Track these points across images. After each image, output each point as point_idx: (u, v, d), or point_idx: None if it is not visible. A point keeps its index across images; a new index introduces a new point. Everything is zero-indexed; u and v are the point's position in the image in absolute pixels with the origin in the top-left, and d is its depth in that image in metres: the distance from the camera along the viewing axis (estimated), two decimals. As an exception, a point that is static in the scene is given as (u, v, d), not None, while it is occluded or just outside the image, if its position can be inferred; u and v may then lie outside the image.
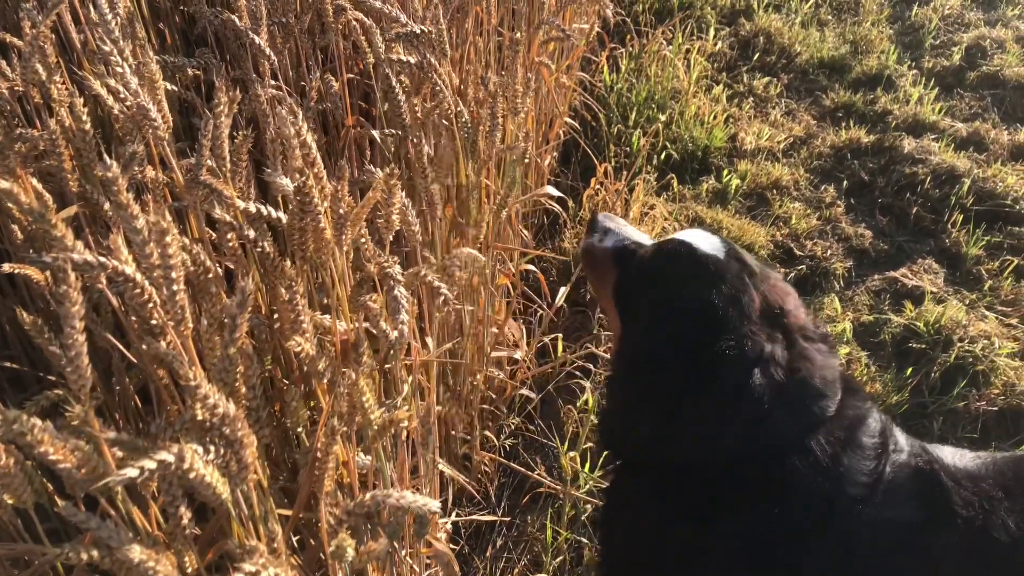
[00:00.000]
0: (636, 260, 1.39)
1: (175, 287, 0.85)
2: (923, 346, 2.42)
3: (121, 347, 1.20)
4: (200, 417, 0.80)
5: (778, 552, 1.20)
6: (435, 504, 0.87)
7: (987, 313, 2.57)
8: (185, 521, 0.84)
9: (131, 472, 0.69)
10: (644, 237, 1.49)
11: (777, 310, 1.24)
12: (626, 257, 1.42)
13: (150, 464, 0.70)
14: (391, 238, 1.09)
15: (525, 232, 2.58)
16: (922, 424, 2.26)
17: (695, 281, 1.25)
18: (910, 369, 2.37)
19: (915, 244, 2.89)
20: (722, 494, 1.21)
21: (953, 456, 1.27)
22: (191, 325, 0.89)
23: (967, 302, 2.61)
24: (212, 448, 0.82)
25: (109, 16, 1.14)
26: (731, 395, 1.16)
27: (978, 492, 1.19)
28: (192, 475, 0.75)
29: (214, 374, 0.89)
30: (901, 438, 1.26)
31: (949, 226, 2.90)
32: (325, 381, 1.03)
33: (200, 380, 0.79)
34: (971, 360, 2.35)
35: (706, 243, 1.30)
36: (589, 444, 2.09)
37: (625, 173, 2.90)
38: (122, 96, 1.08)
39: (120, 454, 0.84)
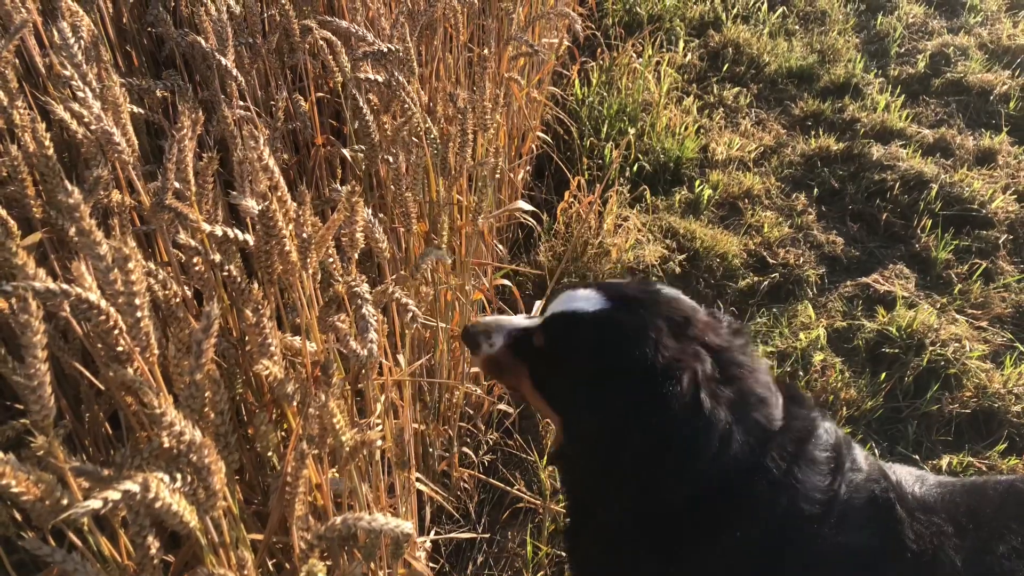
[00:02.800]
0: (534, 347, 1.31)
1: (139, 313, 0.85)
2: (896, 351, 2.45)
3: (89, 375, 1.18)
4: (167, 445, 0.79)
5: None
6: (407, 526, 0.86)
7: (958, 316, 2.60)
8: (153, 551, 0.83)
9: (94, 504, 0.68)
10: (523, 319, 1.41)
11: (683, 323, 1.19)
12: (525, 346, 1.33)
13: (114, 495, 0.69)
14: (356, 256, 1.09)
15: (500, 247, 2.58)
16: (897, 428, 2.28)
17: (600, 347, 1.20)
18: (884, 374, 2.39)
19: (886, 250, 2.92)
20: (687, 527, 1.19)
21: (913, 483, 1.25)
22: (157, 351, 0.89)
23: (938, 306, 2.64)
24: (180, 476, 0.81)
25: (71, 40, 1.13)
26: (692, 433, 1.12)
27: (930, 526, 1.18)
28: (158, 504, 0.74)
29: (182, 400, 0.88)
30: (859, 457, 1.24)
31: (918, 231, 2.94)
32: (295, 404, 1.02)
33: (166, 408, 0.78)
34: (943, 363, 2.38)
35: (585, 303, 1.24)
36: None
37: (598, 186, 2.91)
38: (86, 120, 1.07)
39: (86, 484, 0.83)
